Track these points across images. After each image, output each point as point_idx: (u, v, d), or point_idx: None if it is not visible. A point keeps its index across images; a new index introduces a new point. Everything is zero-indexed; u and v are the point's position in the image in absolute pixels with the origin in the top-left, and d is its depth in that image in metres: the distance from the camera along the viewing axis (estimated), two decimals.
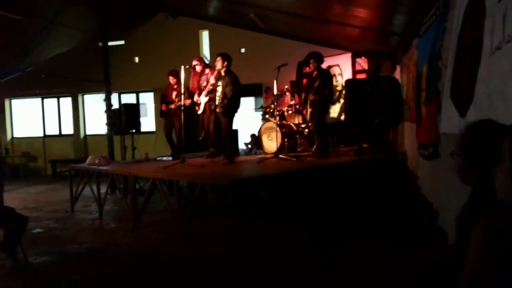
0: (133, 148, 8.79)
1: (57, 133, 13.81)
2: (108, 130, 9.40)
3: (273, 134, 7.82)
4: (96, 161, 7.27)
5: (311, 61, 6.91)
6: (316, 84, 6.70)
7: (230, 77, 6.36)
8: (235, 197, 4.43)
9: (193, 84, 7.38)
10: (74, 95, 13.42)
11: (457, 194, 3.38)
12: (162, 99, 7.99)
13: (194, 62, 7.27)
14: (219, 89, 6.48)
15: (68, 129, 13.70)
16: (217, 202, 4.76)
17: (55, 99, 13.81)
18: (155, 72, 12.27)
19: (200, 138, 7.43)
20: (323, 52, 10.28)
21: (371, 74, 9.03)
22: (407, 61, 6.86)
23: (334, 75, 9.71)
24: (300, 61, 10.44)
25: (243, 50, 11.76)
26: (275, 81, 7.26)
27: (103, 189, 6.88)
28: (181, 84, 7.88)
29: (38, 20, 9.63)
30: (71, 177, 7.41)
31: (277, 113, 7.37)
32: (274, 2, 8.30)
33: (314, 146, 7.10)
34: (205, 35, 12.25)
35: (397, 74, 8.92)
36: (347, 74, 9.42)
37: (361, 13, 7.18)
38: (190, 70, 7.04)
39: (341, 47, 10.30)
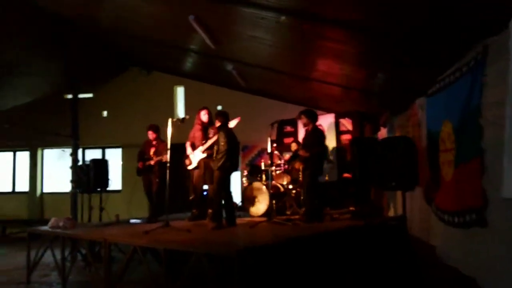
0: (101, 209, 7.89)
1: (10, 190, 12.55)
2: (73, 187, 8.48)
3: (261, 196, 7.28)
4: (61, 224, 6.36)
5: (302, 116, 6.59)
6: (308, 139, 6.35)
7: (224, 132, 5.93)
8: (241, 270, 3.75)
9: (193, 134, 6.86)
10: (33, 149, 12.39)
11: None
12: (139, 156, 7.35)
13: (202, 112, 6.80)
14: (216, 146, 6.01)
15: (22, 185, 12.50)
16: (215, 275, 4.05)
17: (10, 153, 12.68)
18: (124, 128, 11.66)
19: (191, 198, 6.79)
20: None
21: (356, 135, 8.85)
22: (403, 121, 6.67)
23: None
24: (282, 119, 10.22)
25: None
26: (269, 139, 6.83)
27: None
28: (159, 140, 7.34)
29: None
30: (29, 242, 6.37)
31: (275, 172, 6.89)
32: (255, 57, 8.07)
33: (303, 209, 6.63)
34: (180, 91, 11.85)
35: (381, 136, 8.77)
36: (331, 135, 9.19)
37: (348, 71, 7.07)
38: (178, 123, 6.50)
39: (323, 108, 10.16)
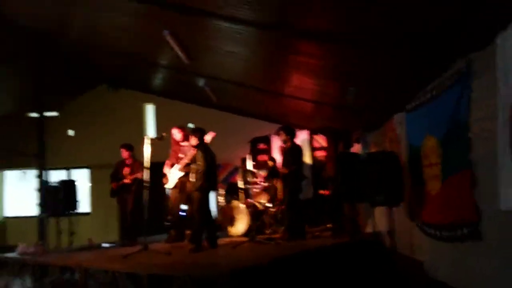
0: (71, 233, 7.51)
1: None
2: (41, 211, 8.04)
3: (240, 215, 7.14)
4: (31, 250, 6.01)
5: (280, 133, 6.57)
6: (287, 156, 6.32)
7: (201, 151, 5.78)
8: None
9: (172, 154, 6.68)
10: None
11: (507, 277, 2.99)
12: (112, 177, 7.10)
13: (174, 131, 6.62)
14: (193, 165, 5.84)
15: None
16: None
17: None
18: (91, 147, 11.25)
19: (169, 218, 6.57)
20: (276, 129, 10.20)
21: (330, 151, 8.91)
22: (378, 137, 6.75)
23: None
24: (255, 137, 10.16)
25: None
26: (247, 156, 6.74)
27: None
28: (133, 159, 7.11)
29: None
30: None
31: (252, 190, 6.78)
32: (227, 72, 7.97)
33: (283, 227, 6.57)
34: (149, 109, 11.58)
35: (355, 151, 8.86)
36: (305, 152, 9.19)
37: (321, 86, 7.06)
38: (156, 141, 6.32)
39: (295, 125, 10.15)
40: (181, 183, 6.57)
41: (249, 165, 6.86)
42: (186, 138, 6.67)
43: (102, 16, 6.66)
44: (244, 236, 6.95)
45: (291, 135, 6.50)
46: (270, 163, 8.52)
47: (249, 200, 7.41)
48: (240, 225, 7.10)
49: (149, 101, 11.43)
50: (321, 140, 9.22)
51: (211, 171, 5.80)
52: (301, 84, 7.39)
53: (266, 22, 4.89)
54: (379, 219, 6.36)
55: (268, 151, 9.76)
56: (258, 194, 7.62)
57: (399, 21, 3.72)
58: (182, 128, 6.81)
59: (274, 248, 5.50)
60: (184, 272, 4.00)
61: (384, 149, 6.15)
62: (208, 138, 6.20)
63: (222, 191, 8.34)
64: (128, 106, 11.26)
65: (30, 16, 7.40)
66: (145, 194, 5.69)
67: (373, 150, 7.05)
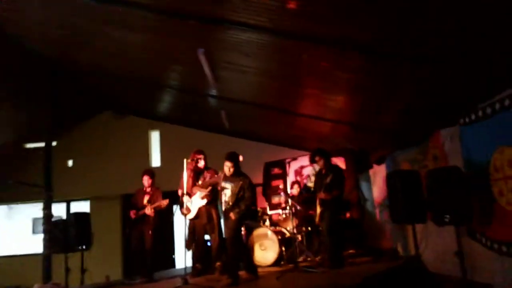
0: (83, 270, 6.88)
1: None
2: (47, 247, 7.37)
3: (267, 243, 6.70)
4: None
5: (317, 158, 6.23)
6: (328, 180, 5.94)
7: (246, 181, 5.36)
8: None
9: (188, 182, 6.12)
10: None
11: None
12: (131, 206, 6.58)
13: (198, 156, 6.14)
14: (227, 192, 5.38)
15: None
16: None
17: None
18: (93, 178, 10.68)
19: (189, 250, 6.05)
20: (291, 154, 9.86)
21: (350, 173, 8.59)
22: (414, 155, 6.46)
23: (308, 175, 9.12)
24: (267, 162, 9.80)
25: None
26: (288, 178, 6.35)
27: None
28: (154, 187, 6.65)
29: None
30: None
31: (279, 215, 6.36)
32: (240, 91, 7.52)
33: (321, 255, 6.17)
34: (154, 136, 11.12)
35: (374, 173, 8.57)
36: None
37: (342, 103, 6.72)
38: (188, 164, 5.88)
39: (306, 148, 9.83)
40: (206, 211, 6.11)
41: (288, 188, 6.47)
42: (206, 166, 6.26)
43: (111, 35, 6.23)
44: (273, 266, 6.52)
45: (327, 156, 6.18)
46: (281, 189, 8.22)
47: (277, 227, 7.00)
48: (269, 254, 6.65)
49: (154, 128, 11.01)
50: (339, 162, 8.90)
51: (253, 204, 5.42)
52: (320, 101, 7.07)
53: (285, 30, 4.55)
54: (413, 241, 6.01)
55: (282, 176, 9.39)
56: (285, 220, 7.21)
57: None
58: (203, 153, 6.33)
59: (322, 278, 5.05)
60: None
61: (424, 167, 5.86)
62: None
63: None
64: (131, 133, 10.81)
65: (36, 37, 6.98)
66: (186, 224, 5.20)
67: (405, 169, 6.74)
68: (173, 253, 10.58)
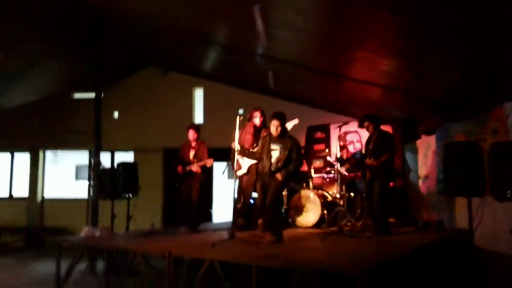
0: (129, 217, 7.13)
1: (6, 195, 11.53)
2: (94, 193, 7.66)
3: (309, 205, 6.70)
4: (97, 234, 5.64)
5: (366, 123, 6.07)
6: (376, 146, 5.82)
7: (295, 142, 5.29)
8: None
9: (244, 137, 6.18)
10: (33, 150, 11.44)
11: None
12: (178, 160, 6.69)
13: (253, 113, 6.15)
14: (275, 153, 5.30)
15: (21, 191, 11.51)
16: None
17: (7, 154, 11.69)
18: (137, 130, 10.91)
19: (239, 206, 6.13)
20: (333, 119, 9.68)
21: (398, 142, 8.37)
22: (470, 127, 6.21)
23: (352, 142, 8.96)
24: (310, 125, 9.67)
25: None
26: (338, 142, 6.28)
27: None
28: (199, 142, 6.71)
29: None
30: (60, 251, 5.49)
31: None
32: (288, 51, 7.31)
33: (363, 221, 6.14)
34: (198, 93, 11.15)
35: (421, 145, 8.35)
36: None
37: (396, 68, 6.42)
38: (245, 122, 5.90)
39: (352, 114, 9.62)
40: (254, 169, 6.13)
41: (338, 151, 6.39)
42: (264, 123, 6.22)
43: None
44: (314, 228, 6.54)
45: (377, 122, 6.02)
46: (327, 153, 8.09)
47: (319, 190, 6.98)
48: (311, 216, 6.67)
49: (198, 85, 11.02)
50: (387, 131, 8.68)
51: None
52: (373, 66, 6.78)
53: None
54: (462, 215, 5.86)
55: (326, 140, 9.27)
56: (329, 184, 7.17)
57: None
58: (262, 112, 6.32)
59: (367, 244, 5.02)
60: (302, 265, 3.55)
61: (482, 140, 5.62)
62: (289, 125, 5.74)
63: None
64: (176, 90, 10.88)
65: None
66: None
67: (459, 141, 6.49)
68: (211, 208, 10.81)
